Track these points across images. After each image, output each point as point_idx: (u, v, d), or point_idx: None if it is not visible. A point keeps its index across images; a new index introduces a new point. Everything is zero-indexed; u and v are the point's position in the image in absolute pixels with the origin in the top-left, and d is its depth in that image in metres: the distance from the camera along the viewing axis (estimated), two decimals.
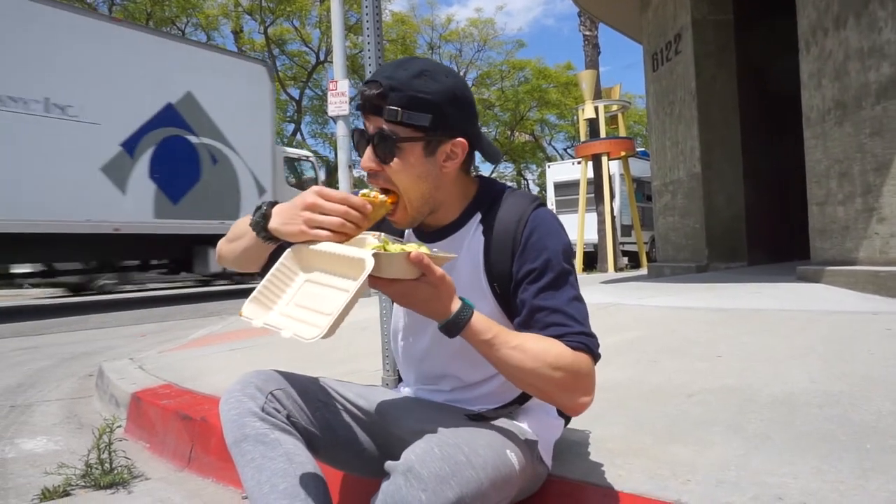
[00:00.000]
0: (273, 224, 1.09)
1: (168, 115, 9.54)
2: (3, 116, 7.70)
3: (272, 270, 1.03)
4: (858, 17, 3.81)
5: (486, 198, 1.22)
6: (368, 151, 1.12)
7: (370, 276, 0.93)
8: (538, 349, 1.04)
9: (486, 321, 1.04)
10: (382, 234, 1.10)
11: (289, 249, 1.04)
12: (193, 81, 9.78)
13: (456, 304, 1.01)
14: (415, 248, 1.01)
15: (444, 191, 1.17)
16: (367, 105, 1.10)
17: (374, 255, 0.93)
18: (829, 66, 4.08)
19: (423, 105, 1.08)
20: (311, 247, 1.02)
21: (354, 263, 0.95)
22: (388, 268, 0.95)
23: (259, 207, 1.14)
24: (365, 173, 1.16)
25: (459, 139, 1.13)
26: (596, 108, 13.19)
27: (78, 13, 9.21)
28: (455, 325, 1.00)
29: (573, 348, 1.06)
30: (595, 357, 1.09)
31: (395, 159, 1.10)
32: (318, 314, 0.95)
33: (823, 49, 4.14)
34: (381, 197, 1.10)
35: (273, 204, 1.13)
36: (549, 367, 1.03)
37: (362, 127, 1.14)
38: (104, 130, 8.76)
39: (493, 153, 1.22)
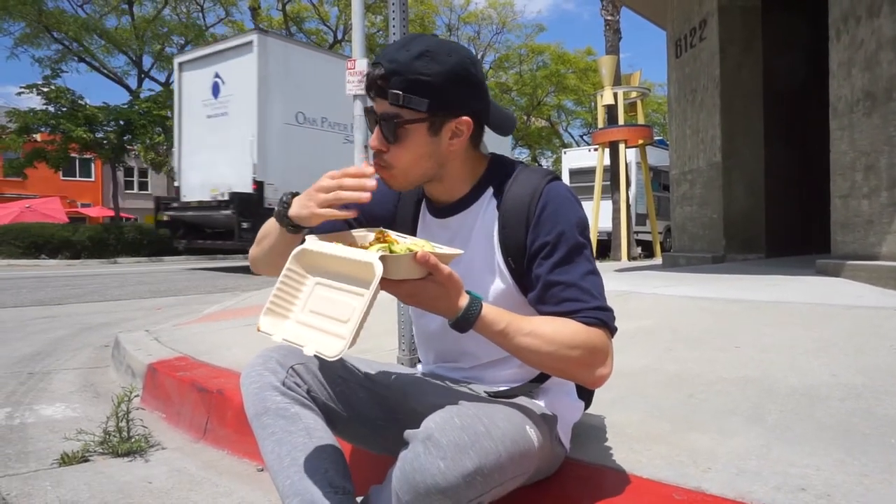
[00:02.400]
0: (292, 211, 1.12)
1: None
2: None
3: (280, 278, 1.01)
4: (893, 5, 3.71)
5: (498, 173, 1.21)
6: (377, 132, 1.13)
7: None
8: (552, 331, 1.03)
9: (497, 311, 1.02)
10: (384, 230, 1.09)
11: (292, 254, 1.02)
12: None
13: (464, 300, 1.00)
14: (420, 244, 0.99)
15: (452, 167, 1.18)
16: (372, 87, 1.11)
17: (381, 257, 0.91)
18: (860, 56, 3.99)
19: (423, 88, 1.07)
20: (316, 248, 1.00)
21: (362, 267, 0.93)
22: (395, 269, 0.93)
23: (281, 198, 1.15)
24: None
25: (464, 118, 1.12)
26: (615, 95, 13.01)
27: None
28: (465, 321, 0.99)
29: (588, 324, 1.06)
30: (611, 330, 1.09)
31: (399, 140, 1.11)
32: (335, 322, 0.93)
33: (855, 38, 4.04)
34: (401, 244, 1.04)
35: (295, 194, 1.15)
36: (566, 348, 1.03)
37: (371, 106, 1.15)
38: None
39: (503, 124, 1.19)
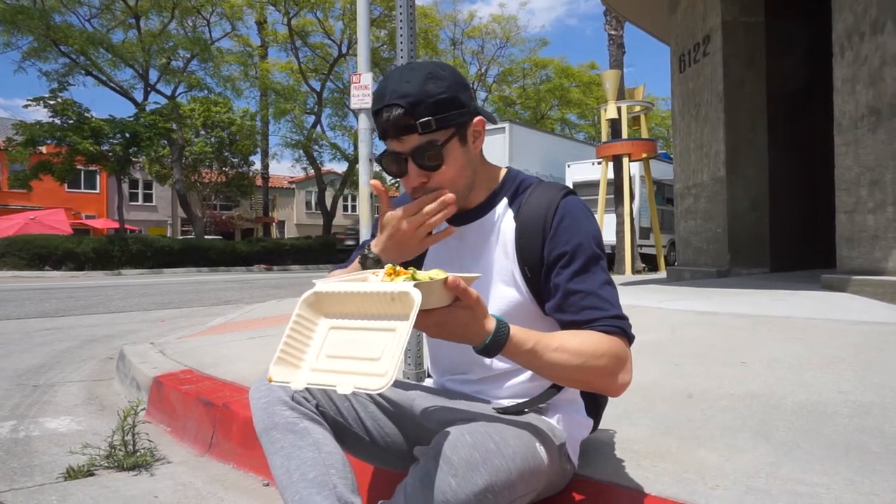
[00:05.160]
0: (387, 258, 1.14)
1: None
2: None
3: (290, 325, 0.95)
4: None
5: (514, 184, 1.24)
6: (413, 169, 1.13)
7: None
8: (578, 343, 1.03)
9: (523, 331, 1.01)
10: (394, 265, 1.04)
11: (301, 299, 0.97)
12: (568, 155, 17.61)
13: (492, 323, 0.97)
14: (436, 273, 0.97)
15: (478, 171, 1.21)
16: (394, 129, 1.10)
17: (416, 285, 0.87)
18: (864, 72, 4.01)
19: (447, 104, 1.10)
20: (332, 290, 0.96)
21: (394, 299, 0.88)
22: (427, 298, 0.88)
23: (366, 254, 1.16)
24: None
25: (477, 117, 1.17)
26: (619, 109, 13.09)
27: (547, 133, 20.94)
28: (496, 344, 0.97)
29: (608, 332, 1.07)
30: (629, 338, 1.11)
31: (444, 164, 1.12)
32: (362, 361, 0.87)
33: (858, 54, 4.06)
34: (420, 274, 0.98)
35: (367, 244, 1.18)
36: (593, 358, 1.03)
37: (391, 150, 1.13)
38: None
39: (489, 115, 1.25)
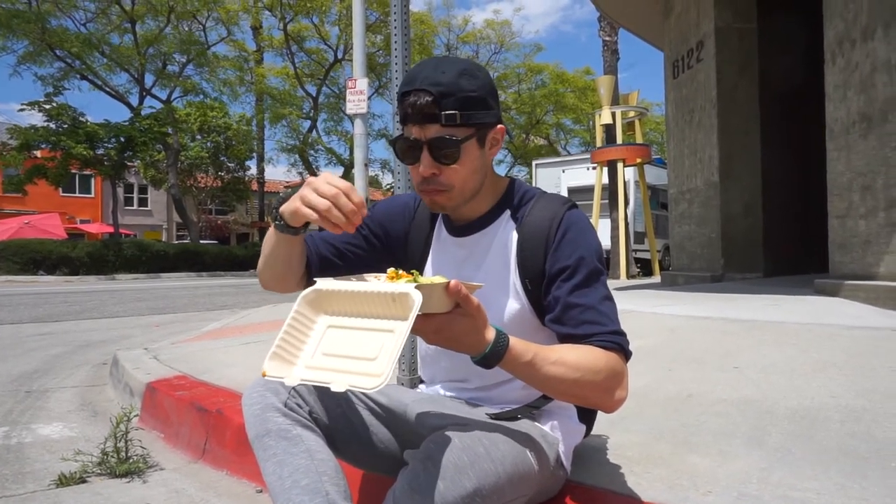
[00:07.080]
0: (284, 206, 1.10)
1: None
2: None
3: (288, 320, 0.94)
4: (887, 29, 3.77)
5: (517, 196, 1.24)
6: (427, 158, 1.12)
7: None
8: (576, 358, 1.03)
9: (523, 342, 1.00)
10: (395, 269, 1.02)
11: (301, 295, 0.97)
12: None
13: (491, 333, 0.96)
14: (438, 279, 0.96)
15: (487, 178, 1.21)
16: (418, 114, 1.09)
17: (417, 287, 0.85)
18: (855, 78, 4.04)
19: (473, 104, 1.10)
20: (331, 287, 0.95)
21: (393, 300, 0.87)
22: (428, 300, 0.86)
23: (279, 194, 1.14)
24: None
25: (499, 126, 1.17)
26: (613, 114, 13.14)
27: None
28: (495, 355, 0.96)
29: (606, 348, 1.07)
30: (626, 355, 1.10)
31: (458, 160, 1.12)
32: (357, 360, 0.87)
33: (850, 61, 4.10)
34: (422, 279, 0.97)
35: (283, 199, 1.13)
36: (591, 373, 1.03)
37: (408, 136, 1.13)
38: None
39: (510, 131, 1.27)
